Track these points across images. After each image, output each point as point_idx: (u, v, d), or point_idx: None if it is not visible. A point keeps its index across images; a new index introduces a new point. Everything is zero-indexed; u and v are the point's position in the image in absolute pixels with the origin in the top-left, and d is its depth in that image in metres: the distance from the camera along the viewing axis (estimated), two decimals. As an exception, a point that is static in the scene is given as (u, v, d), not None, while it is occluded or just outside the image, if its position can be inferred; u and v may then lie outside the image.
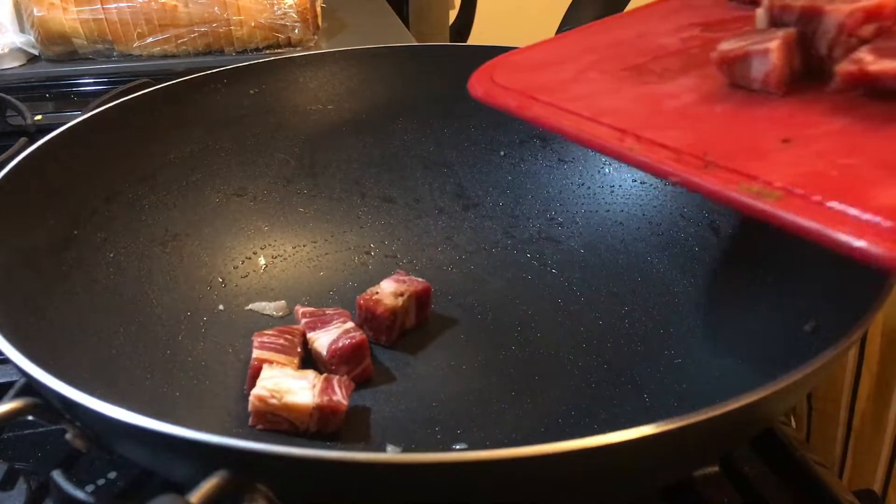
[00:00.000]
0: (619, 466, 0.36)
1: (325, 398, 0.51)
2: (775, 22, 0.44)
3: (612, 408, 0.54)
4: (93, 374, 0.49)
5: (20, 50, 1.04)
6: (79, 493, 0.46)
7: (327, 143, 0.73)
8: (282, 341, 0.57)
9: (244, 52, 1.07)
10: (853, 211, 0.34)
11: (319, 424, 0.51)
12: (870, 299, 0.42)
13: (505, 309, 0.64)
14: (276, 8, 1.05)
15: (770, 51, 0.42)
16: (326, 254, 0.70)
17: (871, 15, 0.41)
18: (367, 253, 0.70)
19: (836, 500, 0.47)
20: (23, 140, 0.78)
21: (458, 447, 0.51)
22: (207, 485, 0.33)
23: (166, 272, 0.62)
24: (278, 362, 0.55)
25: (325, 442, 0.52)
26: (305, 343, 0.58)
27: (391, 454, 0.50)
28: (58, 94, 1.00)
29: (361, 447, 0.52)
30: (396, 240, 0.71)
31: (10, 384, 0.51)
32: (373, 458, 0.34)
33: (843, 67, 0.41)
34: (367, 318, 0.60)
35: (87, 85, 1.01)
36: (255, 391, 0.52)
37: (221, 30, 1.04)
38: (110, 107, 0.64)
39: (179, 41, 1.04)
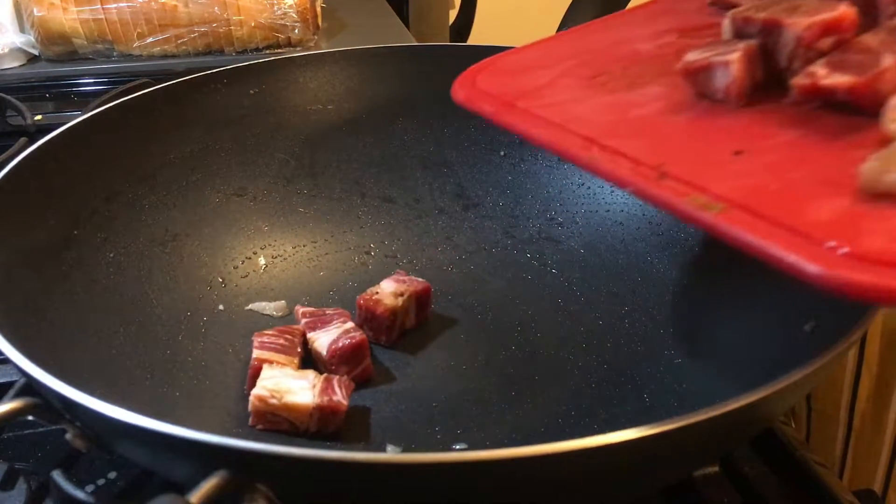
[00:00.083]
0: (619, 466, 0.36)
1: (325, 398, 0.51)
2: (739, 34, 0.45)
3: (612, 408, 0.54)
4: (93, 374, 0.49)
5: (20, 50, 1.04)
6: (79, 493, 0.46)
7: (327, 143, 0.73)
8: (282, 341, 0.57)
9: (244, 52, 1.07)
10: (789, 226, 0.34)
11: (319, 424, 0.51)
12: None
13: (505, 309, 0.64)
14: (276, 8, 1.05)
15: (731, 63, 0.43)
16: (326, 254, 0.70)
17: (828, 28, 0.42)
18: (367, 253, 0.70)
19: (836, 500, 0.47)
20: (23, 140, 0.78)
21: (458, 447, 0.51)
22: (207, 485, 0.33)
23: (166, 272, 0.62)
24: (278, 362, 0.55)
25: (325, 442, 0.52)
26: (305, 343, 0.58)
27: (391, 454, 0.50)
28: (58, 94, 1.00)
29: (361, 447, 0.52)
30: (396, 240, 0.71)
31: (10, 384, 0.51)
32: (373, 458, 0.34)
33: (798, 80, 0.41)
34: (367, 318, 0.60)
35: (87, 85, 1.01)
36: (255, 391, 0.52)
37: (221, 30, 1.04)
38: (110, 107, 0.64)
39: (179, 41, 1.04)
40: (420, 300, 0.62)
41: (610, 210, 0.69)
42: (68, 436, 0.43)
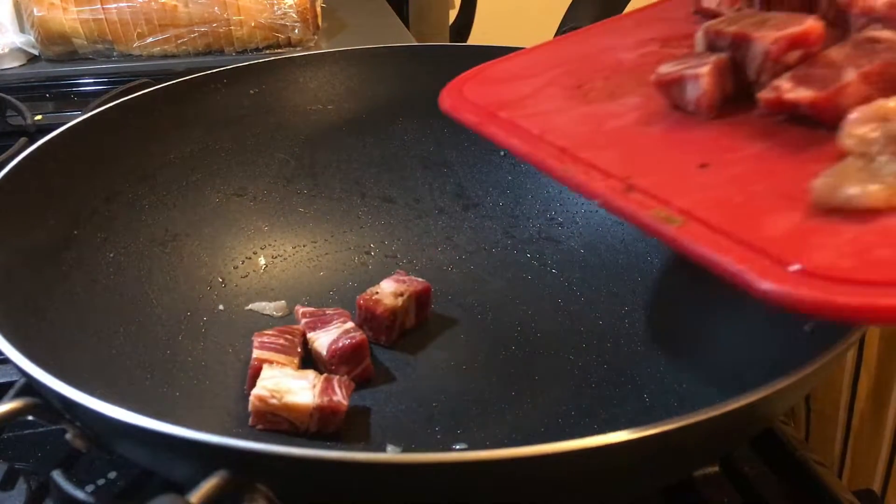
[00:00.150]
0: (619, 466, 0.36)
1: (326, 398, 0.51)
2: (711, 47, 0.46)
3: (612, 408, 0.54)
4: (93, 374, 0.49)
5: (20, 50, 1.04)
6: (79, 493, 0.46)
7: (327, 143, 0.73)
8: (282, 341, 0.57)
9: (244, 52, 1.07)
10: (745, 241, 0.35)
11: (320, 424, 0.51)
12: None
13: (505, 309, 0.64)
14: (276, 8, 1.05)
15: (701, 76, 0.44)
16: (326, 254, 0.70)
17: (794, 42, 0.42)
18: (367, 253, 0.70)
19: (836, 500, 0.47)
20: (23, 140, 0.78)
21: (458, 447, 0.51)
22: (207, 485, 0.33)
23: (166, 272, 0.62)
24: (278, 362, 0.55)
25: (325, 442, 0.52)
26: (305, 343, 0.58)
27: (391, 454, 0.50)
28: (58, 94, 1.00)
29: (361, 447, 0.52)
30: (396, 240, 0.71)
31: (10, 384, 0.51)
32: (373, 458, 0.34)
33: (764, 94, 0.42)
34: (367, 318, 0.60)
35: (87, 85, 1.01)
36: (256, 391, 0.52)
37: (221, 30, 1.04)
38: (110, 107, 0.64)
39: (179, 41, 1.04)
40: (420, 300, 0.62)
41: (610, 210, 0.68)
42: (68, 436, 0.43)
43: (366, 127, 0.74)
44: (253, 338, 0.57)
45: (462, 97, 0.53)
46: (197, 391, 0.55)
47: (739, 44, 0.44)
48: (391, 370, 0.59)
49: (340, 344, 0.56)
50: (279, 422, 0.52)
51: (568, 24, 0.89)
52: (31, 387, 0.41)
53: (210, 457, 0.35)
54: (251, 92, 0.72)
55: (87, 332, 0.53)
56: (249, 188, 0.70)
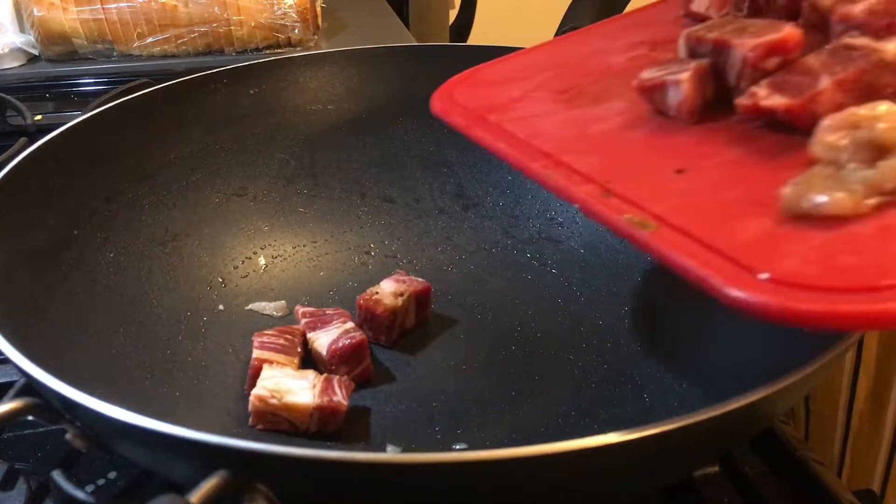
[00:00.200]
0: (619, 466, 0.36)
1: (326, 398, 0.51)
2: (692, 53, 0.46)
3: (612, 408, 0.54)
4: (93, 374, 0.49)
5: (20, 50, 1.04)
6: (79, 493, 0.46)
7: (327, 143, 0.73)
8: (282, 341, 0.57)
9: (244, 52, 1.07)
10: (715, 247, 0.35)
11: (320, 425, 0.51)
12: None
13: (505, 309, 0.64)
14: (276, 8, 1.05)
15: (682, 82, 0.44)
16: (326, 254, 0.70)
17: (772, 49, 0.43)
18: (367, 253, 0.70)
19: (836, 500, 0.47)
20: (23, 140, 0.78)
21: (458, 447, 0.51)
22: (207, 485, 0.33)
23: (166, 272, 0.62)
24: (278, 362, 0.55)
25: (325, 442, 0.52)
26: (305, 343, 0.58)
27: (391, 454, 0.50)
28: (58, 94, 1.00)
29: (361, 447, 0.52)
30: (396, 240, 0.71)
31: (10, 384, 0.51)
32: (373, 458, 0.34)
33: (741, 100, 0.43)
34: (367, 318, 0.60)
35: (87, 85, 1.01)
36: (256, 391, 0.52)
37: (221, 30, 1.04)
38: (110, 107, 0.64)
39: (179, 41, 1.04)
40: (420, 300, 0.62)
41: (610, 210, 0.68)
42: (68, 436, 0.43)
43: (366, 127, 0.74)
44: (253, 338, 0.57)
45: (452, 100, 0.54)
46: (197, 391, 0.55)
47: (720, 50, 0.44)
48: (391, 370, 0.59)
49: (340, 344, 0.56)
50: (279, 422, 0.52)
51: (568, 25, 0.89)
52: (31, 387, 0.41)
53: (210, 457, 0.35)
54: (251, 92, 0.72)
55: (87, 332, 0.53)
56: (249, 188, 0.70)
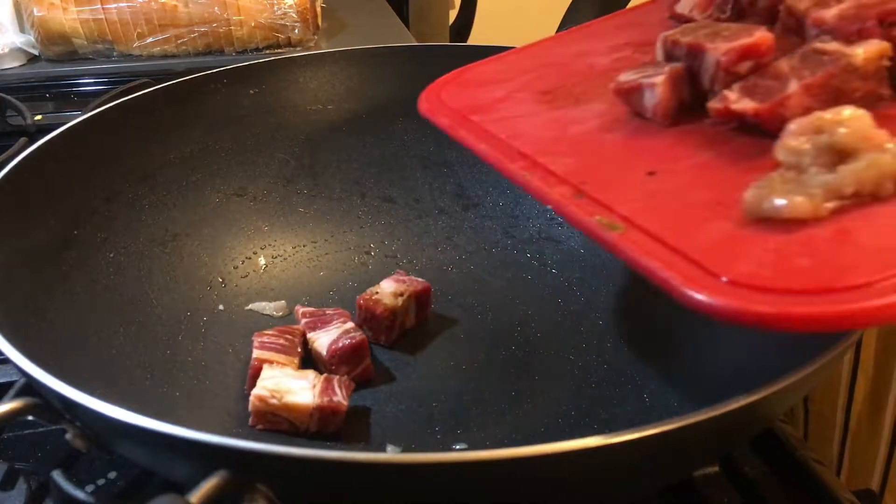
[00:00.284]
0: (619, 466, 0.36)
1: (326, 398, 0.51)
2: (669, 56, 0.47)
3: (612, 408, 0.54)
4: (93, 374, 0.49)
5: (20, 50, 1.04)
6: (79, 493, 0.46)
7: (327, 143, 0.73)
8: (282, 341, 0.57)
9: (244, 52, 1.07)
10: (678, 250, 0.36)
11: (320, 425, 0.51)
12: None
13: (505, 309, 0.64)
14: (276, 8, 1.05)
15: (656, 85, 0.45)
16: (326, 254, 0.70)
17: (744, 53, 0.43)
18: (367, 253, 0.70)
19: (836, 500, 0.47)
20: (23, 140, 0.78)
21: (458, 447, 0.51)
22: (207, 485, 0.33)
23: (166, 272, 0.62)
24: (278, 362, 0.55)
25: (325, 442, 0.52)
26: (305, 343, 0.58)
27: (391, 454, 0.50)
28: (58, 94, 1.00)
29: (361, 447, 0.52)
30: (396, 240, 0.71)
31: (10, 384, 0.51)
32: (373, 458, 0.34)
33: (712, 104, 0.43)
34: (367, 318, 0.60)
35: (87, 85, 1.01)
36: (256, 391, 0.52)
37: (221, 30, 1.04)
38: (110, 107, 0.64)
39: (179, 41, 1.04)
40: (420, 300, 0.62)
41: (610, 210, 0.68)
42: (68, 436, 0.43)
43: (366, 127, 0.74)
44: (253, 338, 0.57)
45: (439, 100, 0.54)
46: (197, 391, 0.55)
47: (694, 54, 0.45)
48: (391, 370, 0.59)
49: (340, 344, 0.56)
50: (279, 422, 0.52)
51: (568, 25, 0.89)
52: (31, 387, 0.41)
53: (210, 457, 0.35)
54: (251, 92, 0.72)
55: (87, 332, 0.53)
56: (249, 188, 0.70)
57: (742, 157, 0.42)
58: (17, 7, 1.04)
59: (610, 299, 0.64)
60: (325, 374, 0.54)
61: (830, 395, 0.72)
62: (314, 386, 0.52)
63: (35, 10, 1.00)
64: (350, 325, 0.58)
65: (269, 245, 0.69)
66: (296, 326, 0.59)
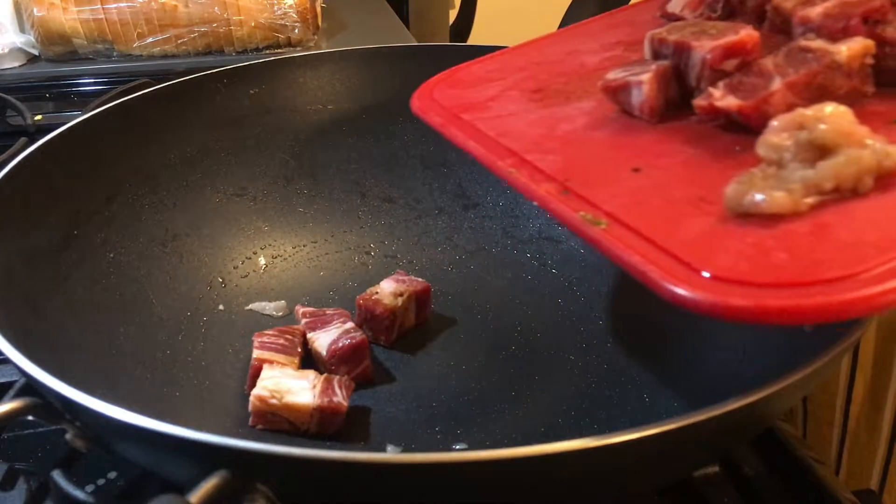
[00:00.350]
0: (619, 466, 0.36)
1: (326, 399, 0.51)
2: (656, 54, 0.47)
3: (612, 408, 0.54)
4: (93, 374, 0.49)
5: (20, 50, 1.04)
6: (79, 493, 0.46)
7: (327, 143, 0.73)
8: (282, 341, 0.57)
9: (244, 52, 1.07)
10: (658, 244, 0.37)
11: (320, 425, 0.51)
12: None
13: (505, 309, 0.64)
14: (276, 8, 1.05)
15: (643, 83, 0.46)
16: (326, 254, 0.70)
17: (730, 51, 0.44)
18: (367, 253, 0.70)
19: (835, 500, 0.47)
20: (23, 140, 0.78)
21: (458, 447, 0.51)
22: (207, 485, 0.33)
23: (166, 272, 0.62)
24: (278, 362, 0.55)
25: (325, 442, 0.52)
26: (305, 343, 0.58)
27: (391, 454, 0.50)
28: (58, 94, 1.00)
29: (361, 447, 0.52)
30: (396, 240, 0.71)
31: (10, 384, 0.51)
32: (373, 458, 0.34)
33: (698, 101, 0.44)
34: (367, 318, 0.60)
35: (87, 85, 1.01)
36: (256, 391, 0.52)
37: (221, 30, 1.04)
38: (110, 107, 0.64)
39: (179, 41, 1.04)
40: (420, 300, 0.62)
41: (610, 210, 0.68)
42: (68, 436, 0.43)
43: (366, 127, 0.74)
44: (253, 338, 0.57)
45: (431, 99, 0.55)
46: (197, 391, 0.55)
47: (681, 52, 0.46)
48: (391, 370, 0.59)
49: (340, 344, 0.56)
50: (279, 422, 0.52)
51: (568, 24, 0.88)
52: (31, 387, 0.41)
53: (210, 457, 0.35)
54: (251, 92, 0.72)
55: (87, 332, 0.53)
56: (249, 188, 0.70)
57: (727, 153, 0.42)
58: (17, 7, 1.04)
59: (610, 299, 0.64)
60: (325, 375, 0.54)
61: (829, 397, 0.72)
62: (314, 386, 0.52)
63: (35, 10, 1.00)
64: (350, 325, 0.58)
65: (269, 245, 0.69)
66: (296, 326, 0.59)
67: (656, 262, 0.36)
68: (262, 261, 0.68)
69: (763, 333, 0.51)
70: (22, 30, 1.04)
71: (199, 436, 0.34)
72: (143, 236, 0.63)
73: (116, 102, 0.65)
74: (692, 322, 0.58)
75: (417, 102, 0.55)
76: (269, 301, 0.65)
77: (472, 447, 0.51)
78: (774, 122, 0.38)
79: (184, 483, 0.34)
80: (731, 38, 0.44)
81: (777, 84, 0.41)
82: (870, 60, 0.42)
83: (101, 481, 0.48)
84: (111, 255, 0.59)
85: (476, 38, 1.60)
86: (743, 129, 0.42)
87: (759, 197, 0.36)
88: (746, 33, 0.44)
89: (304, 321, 0.59)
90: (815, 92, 0.41)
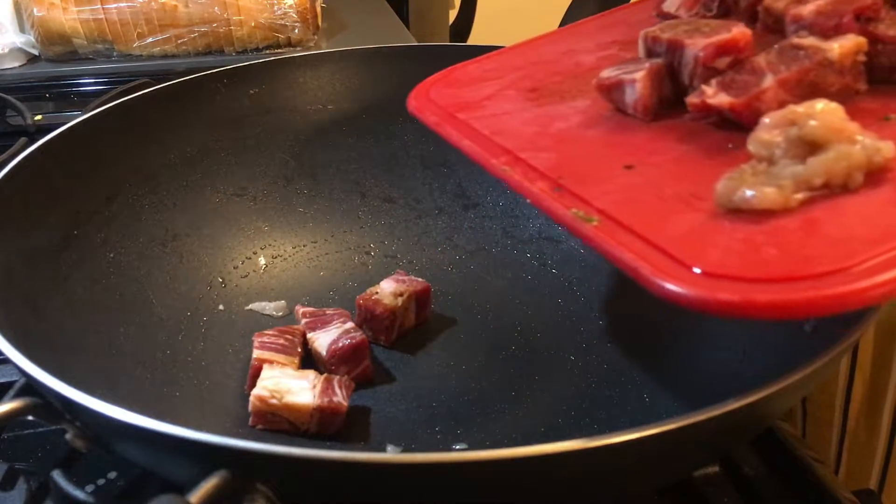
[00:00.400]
0: (619, 466, 0.36)
1: (326, 399, 0.51)
2: (650, 52, 0.48)
3: (612, 408, 0.54)
4: (93, 374, 0.49)
5: (20, 50, 1.04)
6: (79, 493, 0.46)
7: (327, 143, 0.73)
8: (282, 341, 0.57)
9: (244, 52, 1.07)
10: (648, 240, 0.37)
11: (320, 425, 0.51)
12: (870, 299, 0.42)
13: (505, 309, 0.64)
14: (276, 8, 1.05)
15: (636, 81, 0.46)
16: (326, 254, 0.70)
17: (722, 49, 0.44)
18: (367, 253, 0.70)
19: (835, 500, 0.47)
20: (23, 140, 0.78)
21: (458, 447, 0.51)
22: (207, 485, 0.33)
23: (166, 272, 0.62)
24: (278, 362, 0.55)
25: (325, 442, 0.52)
26: (305, 343, 0.58)
27: (391, 454, 0.50)
28: (58, 94, 1.00)
29: (361, 447, 0.52)
30: (396, 240, 0.71)
31: (10, 384, 0.51)
32: (373, 458, 0.34)
33: (690, 99, 0.44)
34: (367, 318, 0.60)
35: (87, 85, 1.01)
36: (256, 391, 0.52)
37: (221, 30, 1.04)
38: (110, 107, 0.64)
39: (179, 41, 1.04)
40: (420, 300, 0.62)
41: (610, 210, 0.68)
42: (68, 436, 0.43)
43: (366, 127, 0.74)
44: (253, 338, 0.57)
45: (427, 98, 0.55)
46: (197, 391, 0.55)
47: (674, 50, 0.46)
48: (391, 370, 0.59)
49: (340, 344, 0.56)
50: (279, 422, 0.52)
51: (568, 24, 0.88)
52: (31, 387, 0.41)
53: (210, 457, 0.35)
54: (251, 92, 0.72)
55: (87, 332, 0.53)
56: (249, 188, 0.70)
57: (719, 150, 0.42)
58: (17, 7, 1.04)
59: (610, 299, 0.64)
60: (325, 375, 0.54)
61: (828, 397, 0.72)
62: (314, 386, 0.52)
63: (35, 10, 1.00)
64: (350, 325, 0.58)
65: (269, 245, 0.69)
66: (296, 326, 0.59)
67: (647, 258, 0.36)
68: (262, 261, 0.68)
69: (763, 334, 0.51)
70: (22, 30, 1.04)
71: (199, 436, 0.34)
72: (143, 236, 0.63)
73: (116, 102, 0.65)
74: (692, 322, 0.58)
75: (414, 102, 0.56)
76: (269, 301, 0.65)
77: (472, 447, 0.51)
78: (766, 119, 0.38)
79: (184, 483, 0.34)
80: (723, 36, 0.44)
81: (769, 81, 0.41)
82: (862, 58, 0.42)
83: (101, 481, 0.48)
84: (111, 255, 0.59)
85: (476, 38, 1.60)
86: (736, 126, 0.42)
87: (749, 193, 0.36)
88: (739, 31, 0.44)
89: (304, 321, 0.59)
90: (807, 89, 0.41)
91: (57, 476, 0.46)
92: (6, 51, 1.02)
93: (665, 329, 0.59)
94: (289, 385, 0.52)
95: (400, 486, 0.35)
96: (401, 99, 0.74)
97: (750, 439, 0.51)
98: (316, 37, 1.10)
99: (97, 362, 0.52)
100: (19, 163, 0.55)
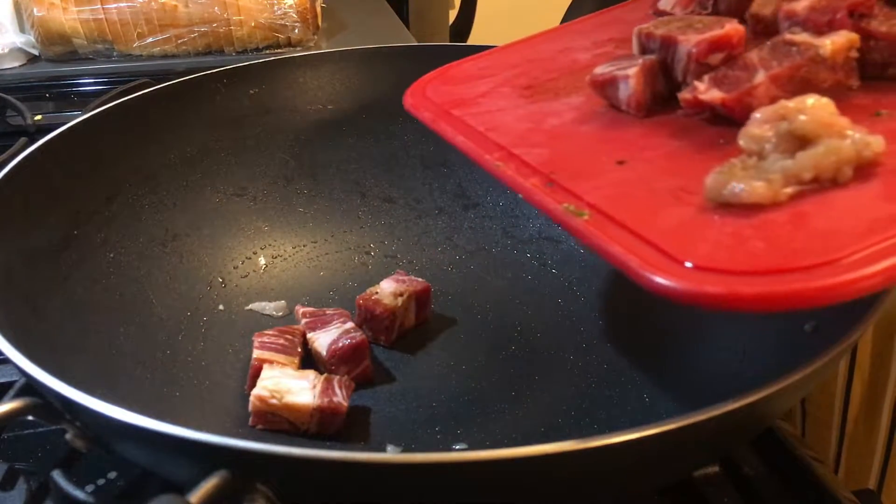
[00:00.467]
0: (619, 466, 0.36)
1: (326, 399, 0.51)
2: (644, 49, 0.48)
3: (612, 408, 0.54)
4: (93, 374, 0.49)
5: (20, 50, 1.04)
6: (79, 493, 0.46)
7: (327, 143, 0.73)
8: (282, 341, 0.57)
9: (244, 52, 1.07)
10: (638, 234, 0.37)
11: (320, 425, 0.51)
12: (869, 300, 0.42)
13: (505, 309, 0.64)
14: (276, 8, 1.05)
15: (630, 77, 0.46)
16: (326, 254, 0.70)
17: (715, 45, 0.44)
18: (367, 253, 0.70)
19: (835, 500, 0.47)
20: (23, 140, 0.78)
21: (458, 447, 0.51)
22: (207, 485, 0.33)
23: (166, 272, 0.62)
24: (279, 362, 0.55)
25: (325, 442, 0.52)
26: (305, 343, 0.58)
27: (391, 454, 0.50)
28: (58, 94, 1.00)
29: (361, 447, 0.52)
30: (396, 240, 0.71)
31: (10, 384, 0.51)
32: (373, 458, 0.34)
33: (683, 94, 0.44)
34: (367, 318, 0.60)
35: (87, 85, 1.01)
36: (256, 391, 0.52)
37: (221, 30, 1.04)
38: (110, 107, 0.64)
39: (179, 41, 1.04)
40: (420, 300, 0.62)
41: (610, 210, 0.68)
42: (68, 436, 0.43)
43: (366, 127, 0.74)
44: (253, 338, 0.57)
45: (423, 96, 0.55)
46: (197, 391, 0.55)
47: (668, 46, 0.46)
48: (391, 370, 0.59)
49: (340, 344, 0.56)
50: (279, 422, 0.52)
51: (567, 24, 0.88)
52: (31, 387, 0.41)
53: (210, 457, 0.35)
54: (251, 92, 0.72)
55: (87, 332, 0.53)
56: (249, 188, 0.70)
57: (711, 146, 0.43)
58: (17, 7, 1.04)
59: (610, 299, 0.64)
60: (325, 375, 0.54)
61: (827, 397, 0.72)
62: (314, 386, 0.52)
63: (35, 10, 1.00)
64: (350, 325, 0.58)
65: (269, 245, 0.69)
66: (296, 326, 0.59)
67: (637, 252, 0.36)
68: (262, 261, 0.68)
69: (763, 334, 0.51)
70: (22, 30, 1.04)
71: (199, 436, 0.34)
72: (143, 236, 0.63)
73: (116, 102, 0.65)
74: (692, 322, 0.58)
75: (410, 99, 0.56)
76: (269, 301, 0.65)
77: (472, 447, 0.52)
78: (757, 114, 0.38)
79: (184, 483, 0.34)
80: (716, 32, 0.44)
81: (761, 77, 0.41)
82: (854, 54, 0.42)
83: (101, 481, 0.48)
84: (111, 255, 0.59)
85: (476, 38, 1.60)
86: (728, 122, 0.43)
87: (738, 187, 0.37)
88: (732, 27, 0.44)
89: (304, 321, 0.59)
90: (799, 85, 0.41)
91: (57, 476, 0.46)
92: (6, 51, 1.02)
93: (665, 329, 0.59)
94: (289, 385, 0.52)
95: (400, 486, 0.35)
96: (401, 99, 0.74)
97: (750, 439, 0.51)
98: (316, 37, 1.10)
99: (97, 362, 0.52)
100: (19, 163, 0.55)
